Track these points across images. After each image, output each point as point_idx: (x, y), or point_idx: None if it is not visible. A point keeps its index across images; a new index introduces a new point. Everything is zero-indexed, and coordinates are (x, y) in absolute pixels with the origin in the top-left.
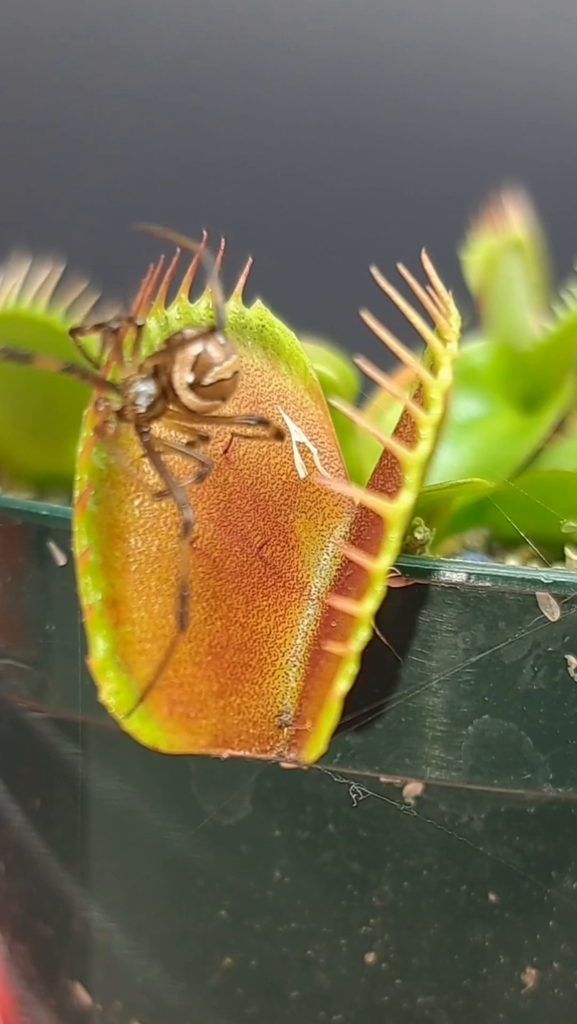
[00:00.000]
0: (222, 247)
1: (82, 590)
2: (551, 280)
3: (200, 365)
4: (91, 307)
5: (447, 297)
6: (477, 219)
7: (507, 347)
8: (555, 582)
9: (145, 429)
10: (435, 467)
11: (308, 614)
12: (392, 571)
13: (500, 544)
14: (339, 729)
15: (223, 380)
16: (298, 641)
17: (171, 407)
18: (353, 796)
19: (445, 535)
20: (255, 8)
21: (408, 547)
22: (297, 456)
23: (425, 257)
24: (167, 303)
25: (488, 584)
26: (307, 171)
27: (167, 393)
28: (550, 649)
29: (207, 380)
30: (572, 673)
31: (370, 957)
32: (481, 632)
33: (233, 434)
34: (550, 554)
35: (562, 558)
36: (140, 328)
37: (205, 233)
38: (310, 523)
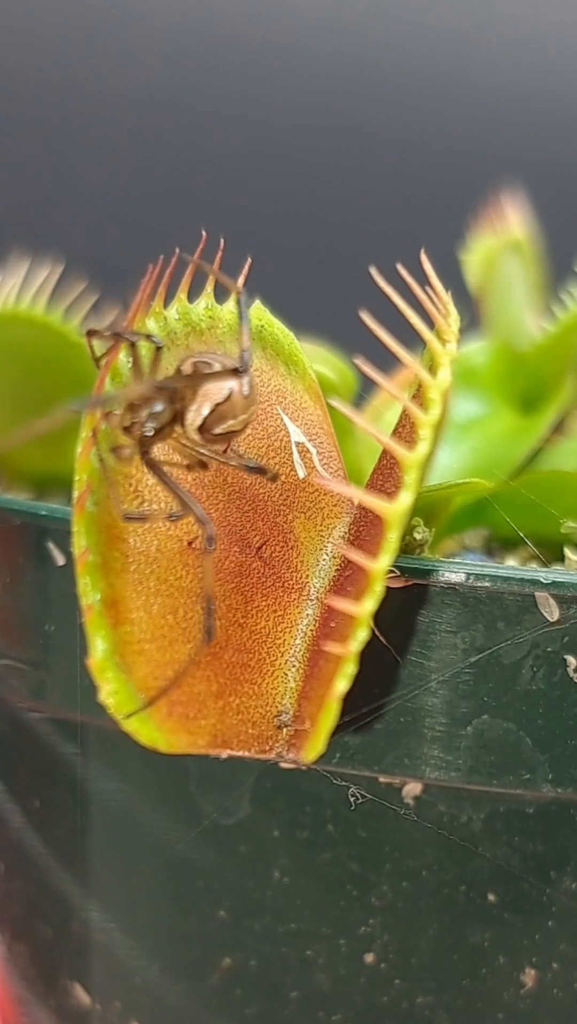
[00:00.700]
0: (221, 247)
1: (81, 590)
2: (550, 280)
3: (217, 413)
4: (90, 307)
5: (446, 297)
6: (476, 219)
7: (506, 347)
8: (554, 582)
9: (147, 449)
10: (434, 467)
11: (307, 614)
12: (391, 571)
13: (499, 544)
14: (338, 729)
15: (233, 431)
16: (297, 641)
17: (176, 430)
18: (352, 799)
19: (444, 535)
20: (255, 10)
21: (407, 547)
22: (296, 456)
23: (424, 258)
24: (166, 303)
25: (487, 584)
26: (307, 171)
27: (178, 418)
28: (549, 649)
29: (217, 430)
30: (571, 673)
31: (369, 957)
32: (480, 632)
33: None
34: (549, 554)
35: (561, 558)
36: (159, 350)
37: (241, 284)
38: (309, 523)
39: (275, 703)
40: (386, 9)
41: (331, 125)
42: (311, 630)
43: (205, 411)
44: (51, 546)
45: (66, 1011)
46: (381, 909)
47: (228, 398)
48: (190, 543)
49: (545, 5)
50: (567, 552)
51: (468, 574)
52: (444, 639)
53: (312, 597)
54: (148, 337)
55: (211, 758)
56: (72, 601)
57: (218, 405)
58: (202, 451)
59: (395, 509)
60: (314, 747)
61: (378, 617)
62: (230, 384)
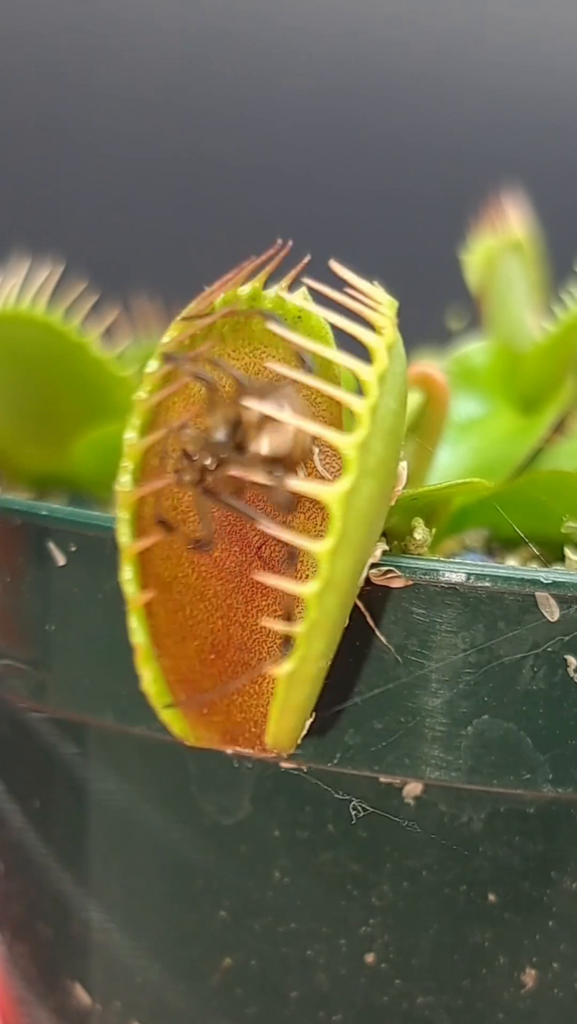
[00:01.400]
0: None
1: (125, 579)
2: (550, 280)
3: (275, 449)
4: (91, 307)
5: (372, 290)
6: (477, 219)
7: (506, 347)
8: (554, 582)
9: (207, 476)
10: (435, 467)
11: None
12: (391, 571)
13: (500, 544)
14: (336, 722)
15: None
16: None
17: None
18: (353, 813)
19: (445, 535)
20: (255, 11)
21: (407, 548)
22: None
23: (336, 265)
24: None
25: (488, 584)
26: (307, 172)
27: (239, 447)
28: (549, 649)
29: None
30: (571, 673)
31: (370, 957)
32: (481, 632)
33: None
34: (549, 554)
35: (561, 558)
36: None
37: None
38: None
39: None
40: (386, 9)
41: (331, 125)
42: None
43: (264, 448)
44: (51, 546)
45: (66, 1011)
46: (381, 909)
47: (291, 442)
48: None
49: (545, 5)
50: (567, 552)
51: (469, 574)
52: (444, 639)
53: None
54: (263, 314)
55: (211, 758)
56: (72, 601)
57: (280, 446)
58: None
59: (335, 493)
60: (273, 733)
61: (379, 617)
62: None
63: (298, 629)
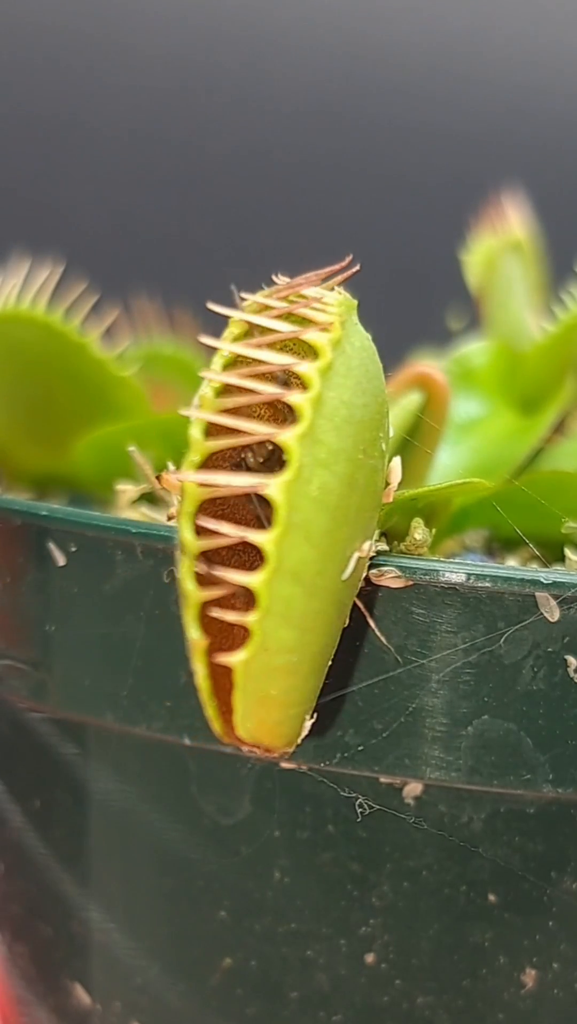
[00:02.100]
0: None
1: (184, 574)
2: (550, 280)
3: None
4: (91, 307)
5: (321, 293)
6: (477, 219)
7: (506, 348)
8: (554, 583)
9: None
10: (435, 467)
11: None
12: (391, 571)
13: (500, 545)
14: (336, 722)
15: None
16: None
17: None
18: (359, 811)
19: (445, 536)
20: (255, 12)
21: (407, 548)
22: None
23: (277, 277)
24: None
25: (488, 585)
26: (307, 172)
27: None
28: (549, 650)
29: None
30: (571, 673)
31: (370, 957)
32: (481, 632)
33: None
34: (550, 555)
35: (562, 559)
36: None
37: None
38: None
39: None
40: (387, 7)
41: (331, 125)
42: None
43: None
44: (51, 546)
45: (66, 1011)
46: (381, 909)
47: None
48: None
49: (547, 4)
50: (567, 552)
51: (469, 574)
52: (444, 639)
53: None
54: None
55: (210, 758)
56: (72, 601)
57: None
58: None
59: (277, 483)
60: (251, 728)
61: (379, 617)
62: None
63: (251, 618)
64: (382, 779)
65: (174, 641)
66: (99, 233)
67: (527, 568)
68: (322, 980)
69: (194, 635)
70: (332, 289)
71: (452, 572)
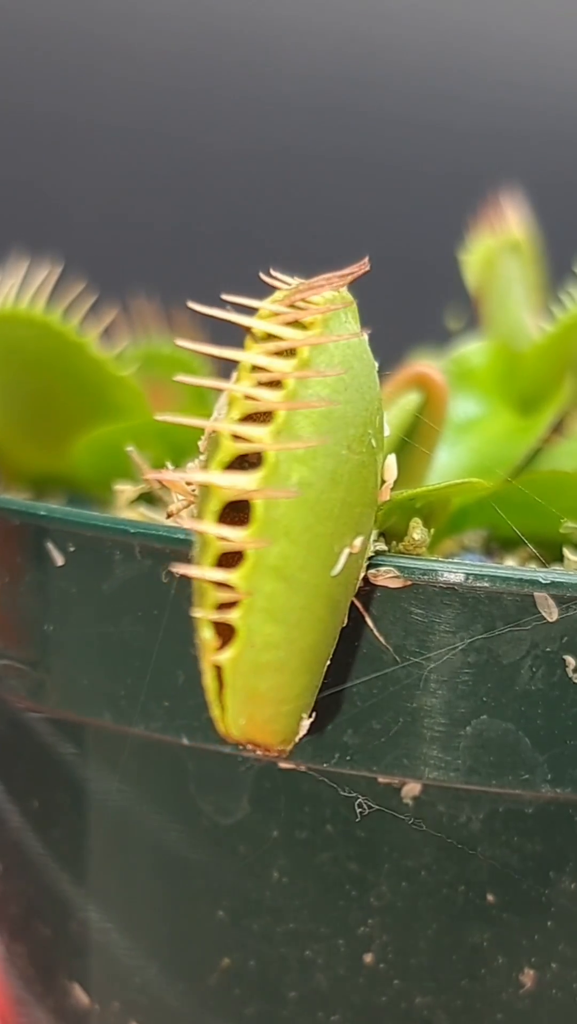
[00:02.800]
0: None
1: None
2: (549, 281)
3: None
4: (89, 307)
5: (308, 293)
6: (475, 219)
7: (505, 348)
8: (553, 583)
9: None
10: (433, 467)
11: None
12: (390, 571)
13: (498, 545)
14: (334, 722)
15: None
16: None
17: None
18: (358, 810)
19: (443, 536)
20: (254, 12)
21: (406, 548)
22: None
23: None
24: None
25: (486, 585)
26: (306, 172)
27: None
28: (548, 649)
29: None
30: (570, 674)
31: (368, 957)
32: (479, 632)
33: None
34: (548, 555)
35: (560, 559)
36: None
37: None
38: None
39: None
40: (385, 8)
41: (330, 125)
42: None
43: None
44: (50, 546)
45: (65, 1011)
46: (380, 909)
47: None
48: None
49: (546, 4)
50: (566, 552)
51: (467, 574)
52: (443, 639)
53: None
54: None
55: (210, 758)
56: (71, 601)
57: None
58: None
59: (250, 479)
60: (222, 718)
61: (377, 617)
62: None
63: (234, 615)
64: (380, 779)
65: (172, 641)
66: (98, 233)
67: (526, 568)
68: (320, 980)
69: (207, 636)
70: (338, 290)
71: (451, 572)
